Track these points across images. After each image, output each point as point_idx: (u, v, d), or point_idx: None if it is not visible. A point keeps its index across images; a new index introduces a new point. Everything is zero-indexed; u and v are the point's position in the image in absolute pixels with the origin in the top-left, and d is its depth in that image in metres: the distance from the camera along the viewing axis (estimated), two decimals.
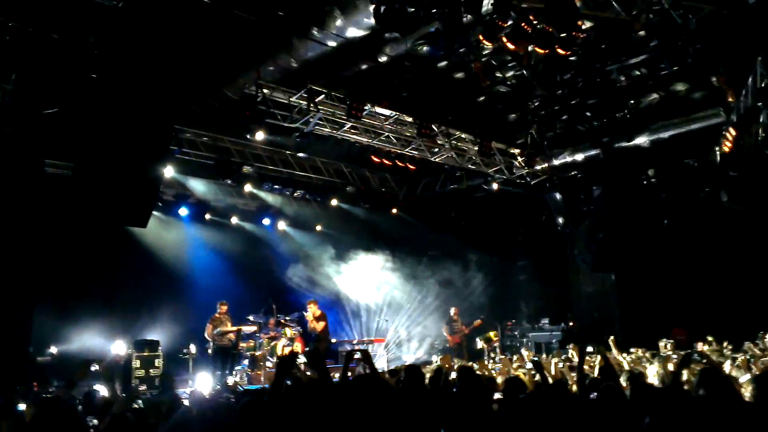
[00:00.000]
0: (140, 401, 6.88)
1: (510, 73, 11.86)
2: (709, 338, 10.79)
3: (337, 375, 5.60)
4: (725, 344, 10.15)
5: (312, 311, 13.59)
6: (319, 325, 13.28)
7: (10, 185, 10.47)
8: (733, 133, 10.02)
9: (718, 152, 11.25)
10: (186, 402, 6.04)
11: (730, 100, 10.55)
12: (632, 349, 10.03)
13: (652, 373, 5.63)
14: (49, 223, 11.23)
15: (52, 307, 11.84)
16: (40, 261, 11.32)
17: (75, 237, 12.02)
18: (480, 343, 14.83)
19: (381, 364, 13.97)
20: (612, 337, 9.33)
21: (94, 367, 10.92)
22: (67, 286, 12.34)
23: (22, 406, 6.96)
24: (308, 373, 5.77)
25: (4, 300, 10.45)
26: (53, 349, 12.07)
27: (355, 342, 15.40)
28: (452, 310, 15.94)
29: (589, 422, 4.24)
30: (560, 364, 7.49)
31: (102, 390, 8.11)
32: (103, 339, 12.34)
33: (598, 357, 6.37)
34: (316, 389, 4.33)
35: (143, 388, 11.51)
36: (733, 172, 11.59)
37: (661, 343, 10.37)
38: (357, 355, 5.38)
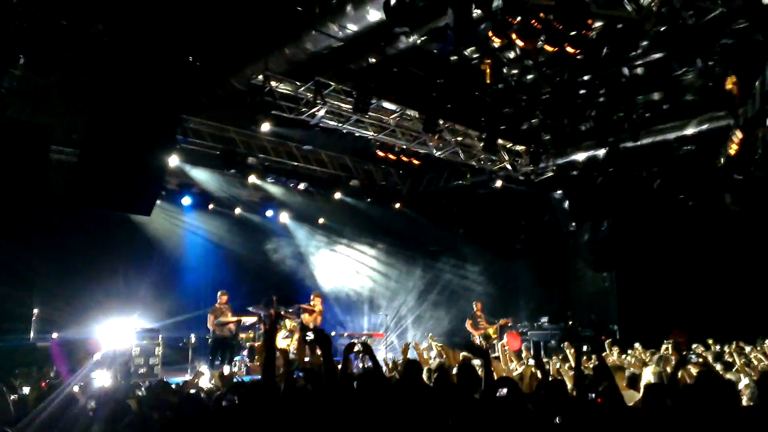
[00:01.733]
0: (141, 389, 6.92)
1: (517, 71, 11.82)
2: (709, 341, 10.79)
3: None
4: (725, 347, 10.15)
5: (315, 304, 13.58)
6: (318, 320, 13.29)
7: (14, 170, 10.47)
8: (740, 135, 9.98)
9: (723, 155, 11.21)
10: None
11: (738, 102, 10.50)
12: (629, 351, 10.05)
13: (649, 375, 5.64)
14: (53, 210, 11.25)
15: (54, 294, 11.89)
16: (43, 247, 11.34)
17: (79, 224, 12.05)
18: (479, 340, 14.89)
19: (380, 358, 13.99)
20: (609, 340, 9.33)
21: (96, 355, 11.02)
22: (70, 274, 12.37)
23: (26, 389, 7.02)
24: (318, 352, 5.65)
25: (5, 286, 10.48)
26: (54, 335, 12.14)
27: (354, 335, 15.42)
28: (475, 306, 15.61)
29: (586, 422, 4.24)
30: (557, 364, 7.50)
31: (102, 377, 8.16)
32: (104, 327, 12.39)
33: (593, 356, 6.38)
34: (321, 384, 4.32)
35: (143, 371, 11.60)
36: (739, 175, 11.54)
37: (663, 346, 10.36)
38: (357, 347, 5.37)
